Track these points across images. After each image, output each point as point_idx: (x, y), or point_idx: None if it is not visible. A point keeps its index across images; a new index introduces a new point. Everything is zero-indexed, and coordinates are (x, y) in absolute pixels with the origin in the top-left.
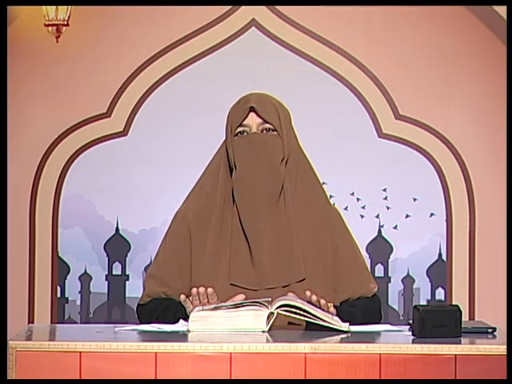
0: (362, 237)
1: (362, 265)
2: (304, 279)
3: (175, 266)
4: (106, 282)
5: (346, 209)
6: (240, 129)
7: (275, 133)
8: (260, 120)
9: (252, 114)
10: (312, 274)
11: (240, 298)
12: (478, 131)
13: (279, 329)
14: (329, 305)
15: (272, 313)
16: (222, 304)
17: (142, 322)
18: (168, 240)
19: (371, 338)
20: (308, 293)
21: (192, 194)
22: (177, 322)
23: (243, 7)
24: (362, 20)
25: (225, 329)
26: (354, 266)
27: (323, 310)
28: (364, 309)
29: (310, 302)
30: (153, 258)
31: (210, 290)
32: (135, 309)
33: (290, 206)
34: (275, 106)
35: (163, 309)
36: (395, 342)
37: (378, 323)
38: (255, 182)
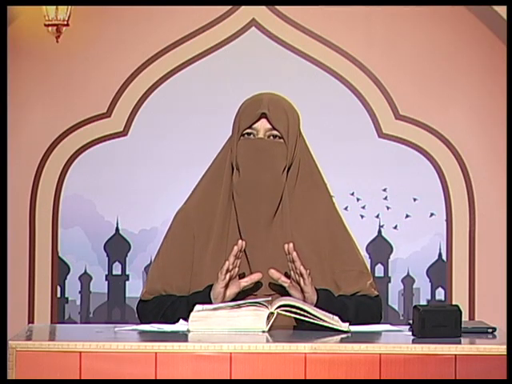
0: (362, 237)
1: (364, 271)
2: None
3: (177, 264)
4: (106, 282)
5: (346, 209)
6: (248, 131)
7: (281, 140)
8: (269, 126)
9: (262, 119)
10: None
11: (257, 276)
12: (477, 131)
13: (279, 329)
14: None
15: (272, 313)
16: (222, 304)
17: (142, 320)
18: (170, 238)
19: (371, 337)
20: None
21: (195, 193)
22: (188, 315)
23: (243, 7)
24: (361, 20)
25: (225, 329)
26: (356, 272)
27: (318, 307)
28: (360, 302)
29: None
30: (153, 258)
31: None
32: (136, 306)
33: (287, 214)
34: (286, 111)
35: (170, 304)
36: (395, 342)
37: (378, 323)
38: (257, 189)
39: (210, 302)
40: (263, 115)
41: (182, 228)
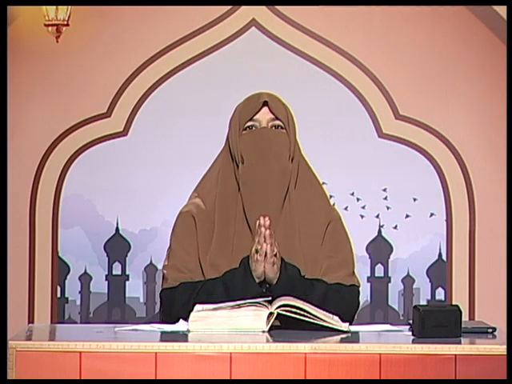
0: (362, 237)
1: (344, 261)
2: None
3: (191, 253)
4: (106, 282)
5: (346, 209)
6: (249, 123)
7: (284, 130)
8: (271, 116)
9: (264, 109)
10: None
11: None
12: (478, 131)
13: (279, 329)
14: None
15: (272, 313)
16: (222, 304)
17: (168, 309)
18: (178, 234)
19: (371, 338)
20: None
21: (195, 192)
22: (226, 296)
23: (243, 7)
24: (362, 20)
25: (225, 329)
26: (337, 260)
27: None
28: (331, 288)
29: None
30: (153, 258)
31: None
32: (159, 294)
33: (294, 202)
34: (285, 106)
35: (202, 287)
36: (395, 341)
37: (353, 311)
38: (265, 176)
39: (251, 279)
40: (265, 104)
41: (187, 223)
